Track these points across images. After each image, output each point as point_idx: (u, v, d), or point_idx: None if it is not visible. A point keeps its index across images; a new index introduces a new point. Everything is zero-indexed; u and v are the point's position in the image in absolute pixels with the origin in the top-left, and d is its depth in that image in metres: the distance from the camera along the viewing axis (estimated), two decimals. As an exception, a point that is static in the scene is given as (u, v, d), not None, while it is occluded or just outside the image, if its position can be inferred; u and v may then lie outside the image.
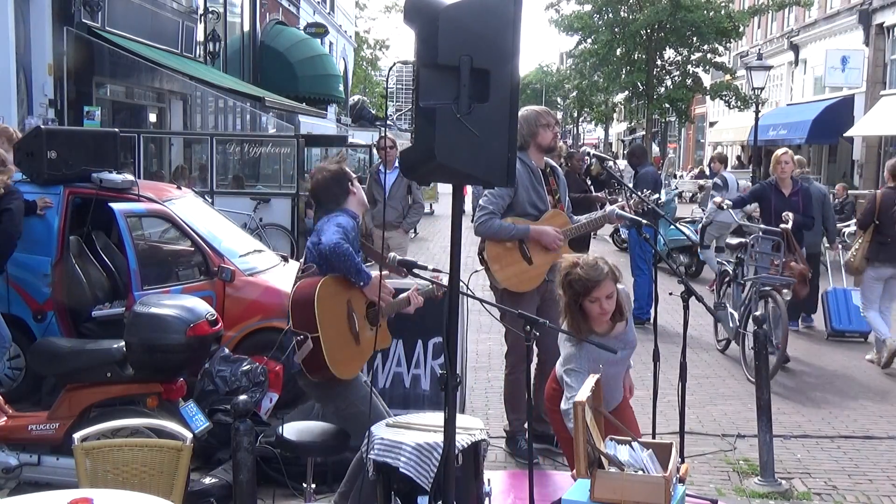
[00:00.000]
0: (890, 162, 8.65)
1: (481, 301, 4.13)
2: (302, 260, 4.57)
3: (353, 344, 4.33)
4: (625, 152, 55.37)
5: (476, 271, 5.48)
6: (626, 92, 30.51)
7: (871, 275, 8.29)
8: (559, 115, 57.61)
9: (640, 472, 3.82)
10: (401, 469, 3.85)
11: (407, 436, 3.97)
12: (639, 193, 5.84)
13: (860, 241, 8.38)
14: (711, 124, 40.32)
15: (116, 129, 7.70)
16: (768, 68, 22.90)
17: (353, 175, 4.70)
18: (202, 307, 5.10)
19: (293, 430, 4.22)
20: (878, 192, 8.51)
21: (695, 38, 27.00)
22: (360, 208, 4.68)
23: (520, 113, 5.60)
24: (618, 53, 27.83)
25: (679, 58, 28.37)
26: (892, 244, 8.12)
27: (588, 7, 27.64)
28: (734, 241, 9.08)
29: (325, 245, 4.26)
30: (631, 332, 4.23)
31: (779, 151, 8.63)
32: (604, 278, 3.86)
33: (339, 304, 4.30)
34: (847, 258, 8.93)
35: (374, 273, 4.38)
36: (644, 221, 4.71)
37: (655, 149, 35.00)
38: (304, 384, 4.51)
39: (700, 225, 12.96)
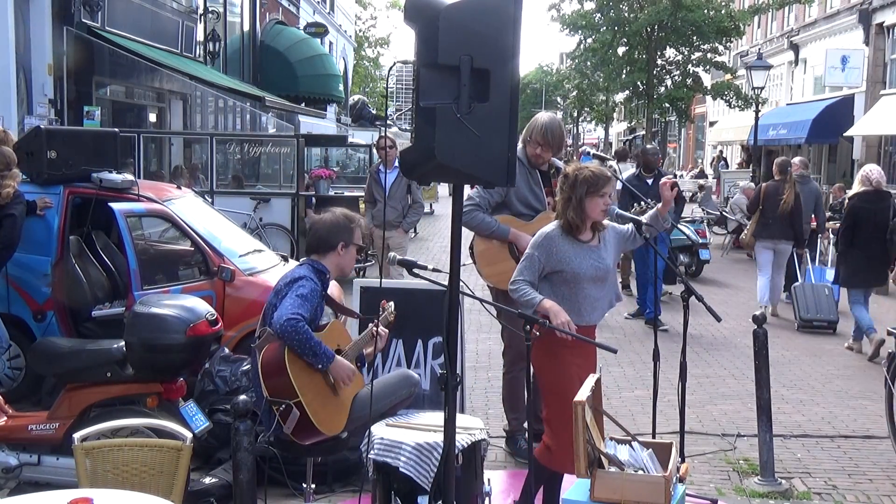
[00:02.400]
0: (777, 160, 10.77)
1: (481, 301, 4.13)
2: (259, 322, 4.35)
3: (333, 398, 4.19)
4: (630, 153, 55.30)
5: (464, 265, 5.48)
6: (627, 91, 30.48)
7: (758, 247, 10.38)
8: (559, 115, 57.62)
9: (640, 472, 3.83)
10: (401, 469, 3.85)
11: (407, 435, 3.97)
12: (647, 201, 5.81)
13: (751, 222, 10.50)
14: (711, 124, 40.30)
15: (116, 129, 7.69)
16: (768, 68, 22.88)
17: (357, 241, 4.46)
18: (202, 307, 5.09)
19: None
20: (764, 185, 10.62)
21: (695, 38, 26.97)
22: (336, 272, 4.46)
23: (538, 116, 5.64)
24: (619, 53, 27.81)
25: (679, 57, 28.35)
26: (772, 224, 10.13)
27: (589, 6, 27.64)
28: None
29: (275, 323, 4.02)
30: (608, 249, 4.51)
31: None
32: (611, 176, 4.48)
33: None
34: (741, 236, 10.88)
35: (338, 358, 4.16)
36: (644, 221, 4.70)
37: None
38: (297, 451, 4.29)
39: None
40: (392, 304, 4.60)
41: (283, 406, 3.99)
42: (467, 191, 5.60)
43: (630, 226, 4.71)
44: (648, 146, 11.06)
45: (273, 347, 4.07)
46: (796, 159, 11.46)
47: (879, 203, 8.73)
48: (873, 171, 9.05)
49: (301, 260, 4.58)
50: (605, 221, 4.54)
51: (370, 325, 4.50)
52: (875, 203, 8.71)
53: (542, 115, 5.67)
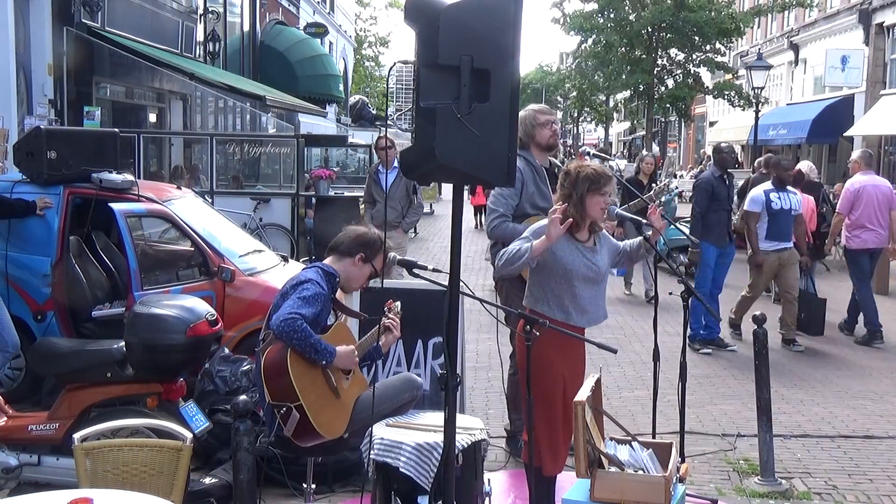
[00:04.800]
0: (767, 157, 12.45)
1: (481, 301, 4.13)
2: (264, 324, 4.30)
3: (334, 400, 4.15)
4: (623, 152, 55.33)
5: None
6: (628, 91, 30.46)
7: None
8: (559, 115, 57.65)
9: (640, 472, 3.83)
10: (401, 469, 3.85)
11: (407, 436, 3.97)
12: (643, 197, 5.82)
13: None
14: (711, 124, 40.28)
15: (116, 130, 7.70)
16: (768, 68, 22.86)
17: (377, 264, 4.41)
18: (202, 307, 5.09)
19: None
20: (752, 177, 12.21)
21: (697, 39, 26.97)
22: (343, 280, 4.40)
23: (522, 113, 5.64)
24: (619, 53, 27.79)
25: (680, 57, 28.34)
26: None
27: (591, 6, 27.61)
28: None
29: (273, 323, 4.01)
30: (602, 253, 4.50)
31: None
32: (612, 176, 4.49)
33: (313, 364, 4.06)
34: (734, 221, 11.45)
35: (339, 348, 4.12)
36: (644, 221, 4.69)
37: (655, 148, 34.96)
38: (298, 451, 4.27)
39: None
40: (398, 303, 4.60)
41: (284, 409, 3.98)
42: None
43: (625, 242, 4.70)
44: (723, 144, 9.52)
45: (276, 349, 4.05)
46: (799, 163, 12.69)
47: (810, 192, 10.80)
48: (803, 166, 11.49)
49: (304, 260, 4.58)
50: (604, 231, 4.54)
51: (377, 325, 4.50)
52: (806, 192, 10.46)
53: (527, 108, 5.65)
